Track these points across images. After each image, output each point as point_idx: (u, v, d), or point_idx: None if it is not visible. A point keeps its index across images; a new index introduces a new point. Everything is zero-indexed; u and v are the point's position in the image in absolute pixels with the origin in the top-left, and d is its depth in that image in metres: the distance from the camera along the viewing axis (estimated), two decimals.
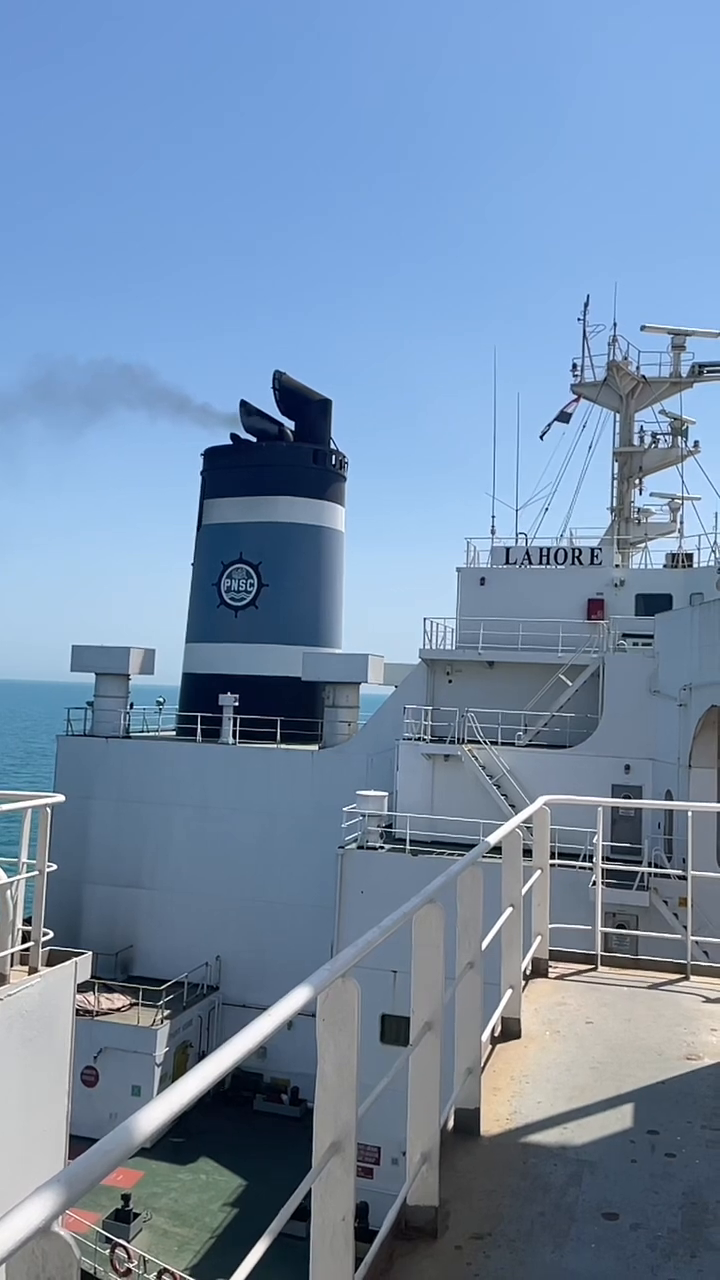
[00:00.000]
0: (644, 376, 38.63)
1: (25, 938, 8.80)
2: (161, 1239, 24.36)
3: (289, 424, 45.49)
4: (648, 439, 39.38)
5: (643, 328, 38.93)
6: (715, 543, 34.90)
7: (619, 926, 23.78)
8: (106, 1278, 22.47)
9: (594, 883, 8.14)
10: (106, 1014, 30.43)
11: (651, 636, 30.09)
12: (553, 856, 7.29)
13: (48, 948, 8.84)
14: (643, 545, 40.41)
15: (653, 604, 32.57)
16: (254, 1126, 30.23)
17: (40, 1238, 1.49)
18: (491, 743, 30.21)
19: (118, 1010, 30.81)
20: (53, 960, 8.87)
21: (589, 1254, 3.63)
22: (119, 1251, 22.73)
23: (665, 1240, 3.74)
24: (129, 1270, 22.48)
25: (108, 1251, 22.81)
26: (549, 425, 39.73)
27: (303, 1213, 2.77)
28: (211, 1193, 26.71)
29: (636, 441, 39.22)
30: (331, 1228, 2.76)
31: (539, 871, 6.86)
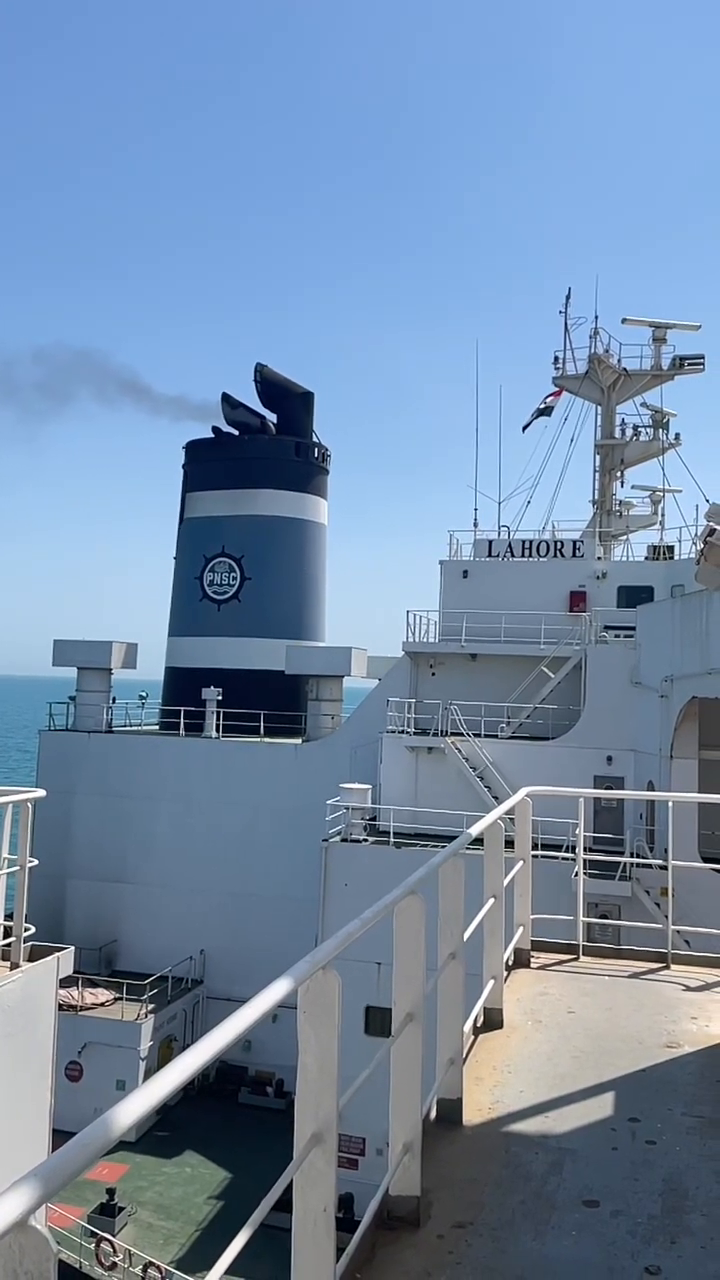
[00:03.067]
0: (625, 369, 38.72)
1: (6, 933, 8.78)
2: (147, 1232, 24.37)
3: (271, 417, 45.36)
4: (629, 432, 39.51)
5: (624, 321, 39.06)
6: (696, 535, 35.08)
7: (602, 916, 23.93)
8: (92, 1272, 22.45)
9: (576, 873, 8.19)
10: (90, 1009, 30.37)
11: (633, 628, 30.21)
12: (535, 848, 7.32)
13: (29, 943, 8.82)
14: (624, 538, 40.58)
15: (634, 596, 32.69)
16: (239, 1119, 30.27)
17: (16, 1232, 1.49)
18: (475, 735, 30.28)
19: (102, 1005, 30.76)
20: (34, 955, 8.84)
21: (570, 1241, 3.66)
22: (104, 1245, 22.73)
23: (645, 1227, 3.77)
24: (114, 1264, 22.49)
25: (93, 1246, 22.80)
26: (531, 418, 39.82)
27: (287, 1204, 2.77)
28: (197, 1186, 26.73)
29: (618, 434, 39.32)
30: (313, 1218, 2.76)
31: (521, 863, 6.89)
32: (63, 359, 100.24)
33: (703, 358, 38.48)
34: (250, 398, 45.31)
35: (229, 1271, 2.38)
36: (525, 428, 39.88)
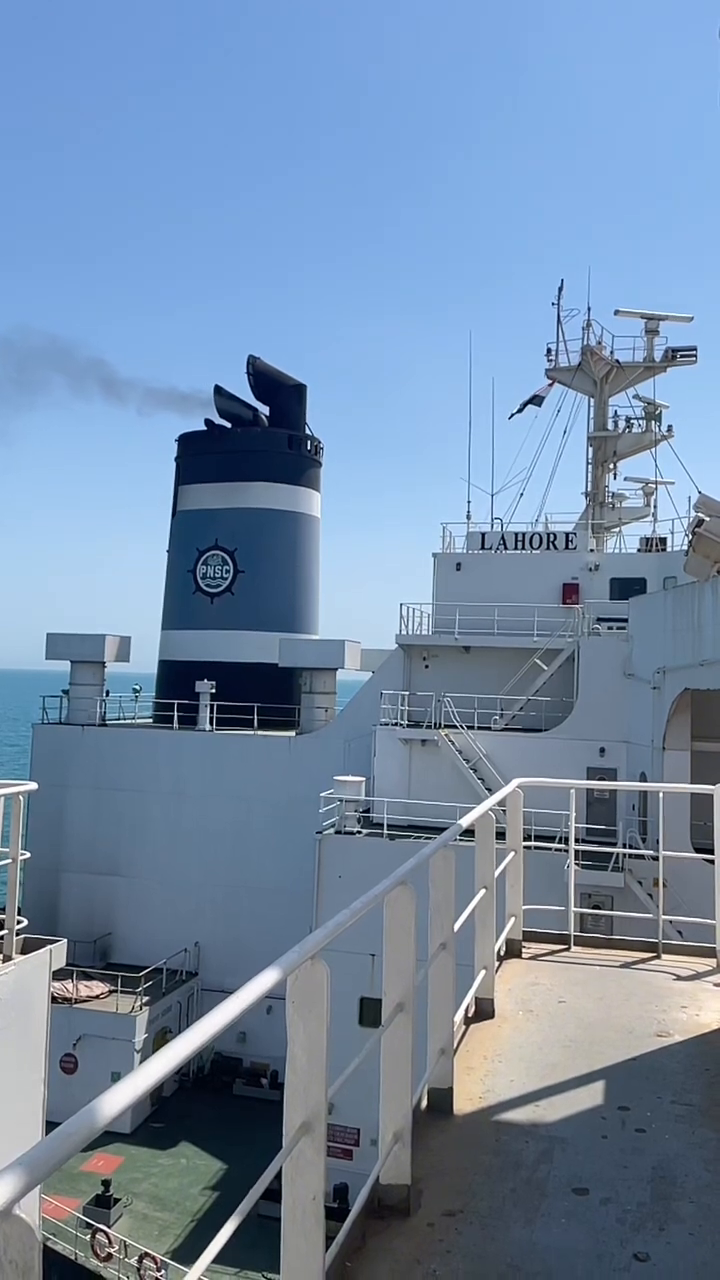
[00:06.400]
0: (618, 361, 38.71)
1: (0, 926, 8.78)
2: (142, 1223, 24.45)
3: (263, 409, 45.24)
4: (621, 423, 39.54)
5: (616, 312, 39.05)
6: (688, 527, 35.10)
7: (595, 907, 24.02)
8: (87, 1263, 22.52)
9: (568, 864, 8.22)
10: (85, 1001, 30.39)
11: (626, 620, 30.28)
12: (528, 839, 7.34)
13: (22, 935, 8.82)
14: (617, 530, 40.62)
15: (627, 588, 32.76)
16: (234, 1111, 30.35)
17: (1, 1221, 1.49)
18: (468, 727, 30.33)
19: (96, 997, 30.79)
20: (27, 948, 8.85)
21: (559, 1229, 3.67)
22: (100, 1237, 22.79)
23: (634, 1214, 3.79)
24: (110, 1255, 22.55)
25: (88, 1237, 22.86)
26: (521, 406, 39.83)
27: (280, 1194, 2.78)
28: (191, 1177, 26.82)
29: (610, 426, 39.35)
30: (302, 1208, 2.77)
31: (513, 853, 6.91)
32: (33, 347, 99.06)
33: (695, 350, 38.50)
34: (243, 390, 45.21)
35: (222, 1260, 2.39)
36: (513, 415, 39.89)
